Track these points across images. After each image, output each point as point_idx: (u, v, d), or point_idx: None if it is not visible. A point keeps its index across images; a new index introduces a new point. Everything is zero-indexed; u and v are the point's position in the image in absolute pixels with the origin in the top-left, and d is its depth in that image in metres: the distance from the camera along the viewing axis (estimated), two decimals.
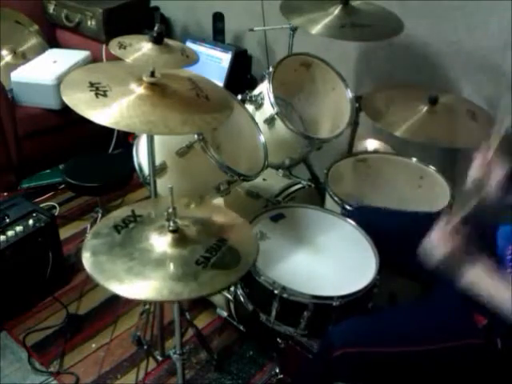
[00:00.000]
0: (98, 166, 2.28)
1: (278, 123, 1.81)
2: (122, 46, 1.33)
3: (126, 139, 2.76)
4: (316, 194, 2.09)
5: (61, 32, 2.99)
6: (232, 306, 1.77)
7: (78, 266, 2.22)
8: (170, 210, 1.16)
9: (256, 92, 1.90)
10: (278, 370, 1.74)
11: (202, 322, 2.01)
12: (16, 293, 1.98)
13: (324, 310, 1.39)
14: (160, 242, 1.17)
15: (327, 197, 1.86)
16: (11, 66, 2.68)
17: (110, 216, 1.27)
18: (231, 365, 1.87)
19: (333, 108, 2.07)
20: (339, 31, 1.85)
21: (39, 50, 2.84)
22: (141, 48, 1.32)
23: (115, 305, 2.05)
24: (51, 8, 2.90)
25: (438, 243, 1.22)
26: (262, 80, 1.91)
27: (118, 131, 2.78)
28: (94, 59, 2.81)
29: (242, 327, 1.84)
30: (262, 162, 1.72)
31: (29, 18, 2.86)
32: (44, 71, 2.59)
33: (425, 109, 1.85)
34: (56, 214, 2.53)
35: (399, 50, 2.18)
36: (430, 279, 1.47)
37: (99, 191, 2.20)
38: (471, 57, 2.00)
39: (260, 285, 1.43)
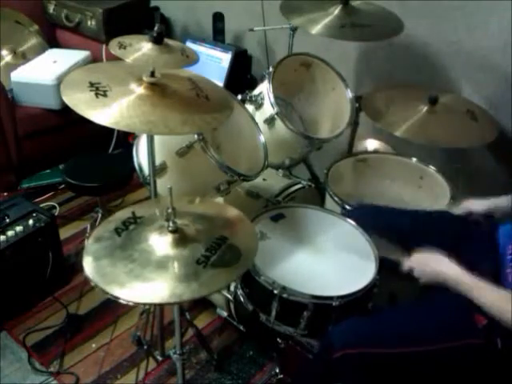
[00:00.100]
0: (98, 166, 2.28)
1: (278, 123, 1.81)
2: (122, 46, 1.33)
3: (126, 139, 2.76)
4: (316, 194, 2.09)
5: (61, 32, 2.99)
6: (232, 306, 1.77)
7: (77, 266, 2.22)
8: (170, 211, 1.16)
9: (256, 92, 1.90)
10: (277, 370, 1.74)
11: (201, 321, 2.01)
12: (16, 293, 1.98)
13: (324, 310, 1.39)
14: (160, 243, 1.17)
15: (327, 197, 1.86)
16: (11, 66, 2.68)
17: (111, 219, 1.26)
18: (231, 365, 1.87)
19: (333, 108, 2.07)
20: (339, 31, 1.85)
21: (39, 50, 2.84)
22: (141, 48, 1.32)
23: (115, 305, 2.05)
24: (51, 8, 2.90)
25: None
26: (262, 80, 1.91)
27: (118, 131, 2.78)
28: (94, 59, 2.81)
29: (242, 327, 1.84)
30: (261, 162, 1.72)
31: (29, 18, 2.86)
32: (44, 71, 2.59)
33: (425, 109, 1.85)
34: (56, 214, 2.53)
35: (399, 49, 2.18)
36: None
37: (99, 191, 2.20)
38: (471, 57, 2.00)
39: (260, 285, 1.43)
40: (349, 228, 1.64)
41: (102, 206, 2.34)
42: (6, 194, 2.58)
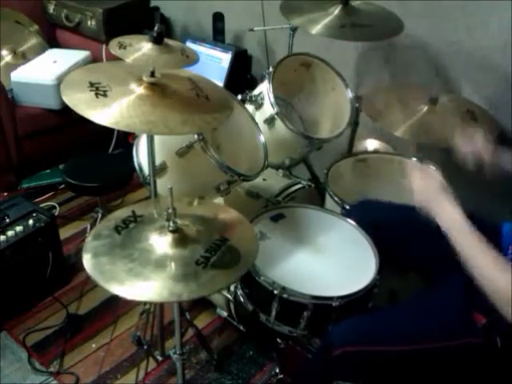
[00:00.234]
0: (98, 166, 2.28)
1: (278, 123, 1.81)
2: (122, 46, 1.33)
3: (126, 139, 2.76)
4: (316, 194, 2.09)
5: (61, 32, 2.99)
6: (232, 306, 1.77)
7: (78, 266, 2.22)
8: (170, 211, 1.16)
9: (256, 92, 1.90)
10: (277, 370, 1.74)
11: (201, 321, 2.01)
12: (16, 293, 1.98)
13: (324, 310, 1.39)
14: (160, 243, 1.17)
15: (327, 197, 1.86)
16: (11, 66, 2.68)
17: (111, 217, 1.26)
18: (231, 365, 1.87)
19: (333, 108, 2.07)
20: (339, 31, 1.85)
21: (39, 50, 2.84)
22: (141, 48, 1.32)
23: (115, 305, 2.05)
24: (51, 8, 2.90)
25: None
26: (262, 80, 1.91)
27: (118, 131, 2.78)
28: (94, 59, 2.81)
29: (242, 327, 1.84)
30: (261, 162, 1.72)
31: (29, 18, 2.86)
32: (44, 71, 2.59)
33: (425, 109, 1.85)
34: (56, 214, 2.53)
35: (399, 49, 2.18)
36: (432, 273, 1.47)
37: (99, 191, 2.20)
38: (471, 57, 2.00)
39: (260, 285, 1.43)
40: (349, 228, 1.64)
41: (102, 206, 2.34)
42: (5, 194, 2.58)
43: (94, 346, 1.94)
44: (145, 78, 1.27)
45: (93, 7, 2.74)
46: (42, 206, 2.30)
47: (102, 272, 1.10)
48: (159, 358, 1.85)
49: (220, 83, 2.56)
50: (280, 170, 2.04)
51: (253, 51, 2.72)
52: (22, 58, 2.80)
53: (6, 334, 1.96)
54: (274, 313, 1.44)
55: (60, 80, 2.48)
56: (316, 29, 1.84)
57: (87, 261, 1.12)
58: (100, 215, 2.32)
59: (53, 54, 2.79)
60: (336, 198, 1.80)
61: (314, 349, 1.59)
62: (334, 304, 1.37)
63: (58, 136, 2.71)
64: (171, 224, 1.16)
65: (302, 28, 2.00)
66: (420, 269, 1.54)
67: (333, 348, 1.29)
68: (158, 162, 1.52)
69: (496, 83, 1.96)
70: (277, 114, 1.80)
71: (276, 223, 1.65)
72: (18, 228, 1.94)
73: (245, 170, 1.65)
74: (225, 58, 2.62)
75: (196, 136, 1.50)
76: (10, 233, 1.92)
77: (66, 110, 2.25)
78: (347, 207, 1.75)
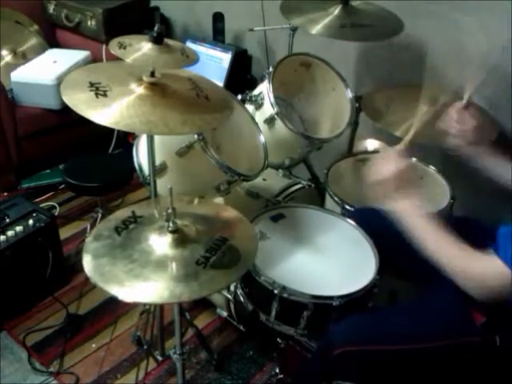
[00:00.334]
0: (98, 166, 2.28)
1: (278, 123, 1.81)
2: (122, 46, 1.33)
3: (126, 139, 2.76)
4: (316, 194, 2.09)
5: (61, 32, 2.99)
6: (232, 306, 1.77)
7: (77, 266, 2.22)
8: (170, 211, 1.16)
9: (256, 92, 1.90)
10: (277, 370, 1.74)
11: (201, 321, 2.01)
12: (16, 293, 1.98)
13: (324, 309, 1.39)
14: (160, 243, 1.16)
15: (327, 197, 1.86)
16: (11, 66, 2.68)
17: (111, 218, 1.26)
18: (231, 365, 1.87)
19: (333, 108, 2.07)
20: (339, 31, 1.85)
21: (39, 50, 2.84)
22: (141, 48, 1.32)
23: (115, 305, 2.05)
24: (51, 8, 2.90)
25: (381, 164, 1.33)
26: (262, 80, 1.91)
27: (118, 131, 2.78)
28: (94, 59, 2.81)
29: (242, 327, 1.84)
30: (261, 161, 1.72)
31: (29, 18, 2.86)
32: (44, 71, 2.59)
33: (425, 109, 1.84)
34: (56, 214, 2.53)
35: (399, 50, 2.18)
36: (430, 280, 1.47)
37: (99, 191, 2.20)
38: (471, 57, 2.00)
39: (260, 285, 1.43)
40: (349, 228, 1.64)
41: (102, 206, 2.34)
42: (5, 194, 2.58)
43: (94, 345, 1.94)
44: (145, 78, 1.27)
45: (93, 7, 2.74)
46: (42, 205, 2.31)
47: (102, 273, 1.09)
48: (159, 358, 1.85)
49: (220, 83, 2.56)
50: (280, 170, 2.04)
51: (253, 51, 2.72)
52: (22, 58, 2.80)
53: (6, 333, 1.96)
54: (274, 312, 1.44)
55: (60, 80, 2.49)
56: (316, 29, 1.84)
57: (87, 262, 1.12)
58: (100, 215, 2.32)
59: (53, 54, 2.79)
60: (336, 198, 1.80)
61: (313, 348, 1.59)
62: (334, 304, 1.37)
63: (58, 136, 2.71)
64: (171, 224, 1.16)
65: (302, 28, 2.00)
66: (418, 275, 1.54)
67: (333, 347, 1.29)
68: (158, 161, 1.52)
69: (496, 83, 1.96)
70: (277, 113, 1.80)
71: (276, 223, 1.65)
72: (18, 228, 1.94)
73: (245, 170, 1.65)
74: (225, 58, 2.62)
75: (196, 136, 1.50)
76: (10, 233, 1.92)
77: (66, 110, 2.25)
78: (347, 207, 1.75)
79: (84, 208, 2.59)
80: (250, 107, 1.87)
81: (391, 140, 2.16)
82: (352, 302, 1.39)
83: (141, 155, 1.67)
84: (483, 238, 1.21)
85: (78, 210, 2.59)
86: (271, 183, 2.02)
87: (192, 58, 1.38)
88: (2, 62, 2.74)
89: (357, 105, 1.99)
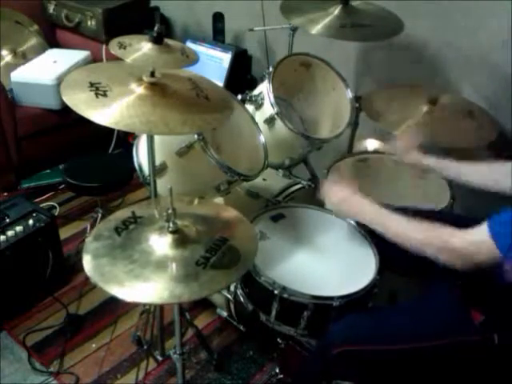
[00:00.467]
0: (98, 166, 2.28)
1: (278, 123, 1.81)
2: (122, 46, 1.33)
3: (126, 139, 2.76)
4: (316, 194, 2.09)
5: (61, 32, 2.99)
6: (232, 306, 1.77)
7: (78, 266, 2.22)
8: (170, 211, 1.16)
9: (256, 92, 1.90)
10: (277, 370, 1.74)
11: (201, 321, 2.01)
12: (16, 293, 1.98)
13: (324, 310, 1.39)
14: (160, 244, 1.17)
15: None
16: (11, 66, 2.68)
17: (111, 218, 1.26)
18: (231, 365, 1.87)
19: (333, 108, 2.07)
20: (339, 31, 1.85)
21: (39, 50, 2.85)
22: (141, 48, 1.32)
23: (115, 305, 2.05)
24: (51, 8, 2.90)
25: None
26: (262, 80, 1.91)
27: (118, 131, 2.78)
28: (94, 59, 2.81)
29: (242, 327, 1.84)
30: (261, 161, 1.72)
31: (29, 18, 2.86)
32: (44, 71, 2.59)
33: (425, 109, 1.85)
34: (56, 214, 2.53)
35: (399, 50, 2.18)
36: (430, 275, 1.47)
37: (99, 191, 2.20)
38: (471, 57, 2.00)
39: (260, 285, 1.43)
40: (349, 228, 1.64)
41: (102, 206, 2.34)
42: (5, 194, 2.58)
43: (93, 345, 1.94)
44: (145, 78, 1.27)
45: (93, 7, 2.74)
46: (42, 205, 2.31)
47: (102, 274, 1.09)
48: (159, 358, 1.85)
49: (220, 83, 2.56)
50: (280, 170, 2.04)
51: (253, 51, 2.72)
52: (22, 58, 2.80)
53: (6, 333, 1.96)
54: (274, 313, 1.44)
55: (60, 80, 2.49)
56: (316, 29, 1.84)
57: (87, 262, 1.12)
58: (100, 215, 2.32)
59: (53, 54, 2.79)
60: None
61: (313, 348, 1.59)
62: (334, 304, 1.37)
63: (58, 136, 2.71)
64: (171, 225, 1.16)
65: (302, 28, 2.00)
66: (418, 271, 1.54)
67: (332, 347, 1.29)
68: (158, 161, 1.52)
69: (496, 83, 1.96)
70: (277, 113, 1.80)
71: (276, 223, 1.65)
72: (18, 228, 1.94)
73: (245, 170, 1.65)
74: (225, 58, 2.62)
75: (196, 136, 1.50)
76: (10, 233, 1.92)
77: (66, 110, 2.24)
78: None
79: (84, 208, 2.59)
80: (250, 107, 1.87)
81: (391, 140, 2.18)
82: (352, 302, 1.39)
83: (141, 155, 1.67)
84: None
85: (78, 210, 2.59)
86: (271, 183, 2.02)
87: (192, 58, 1.38)
88: (2, 62, 2.74)
89: (357, 105, 1.99)
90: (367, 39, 2.05)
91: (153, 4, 2.98)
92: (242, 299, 1.55)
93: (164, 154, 1.55)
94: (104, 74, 1.32)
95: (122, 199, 2.63)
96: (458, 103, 1.93)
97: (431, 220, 1.25)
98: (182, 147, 1.53)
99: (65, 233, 2.38)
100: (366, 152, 2.17)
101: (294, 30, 2.13)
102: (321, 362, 1.40)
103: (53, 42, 2.97)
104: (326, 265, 1.51)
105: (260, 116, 1.85)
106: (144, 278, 1.08)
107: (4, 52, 2.77)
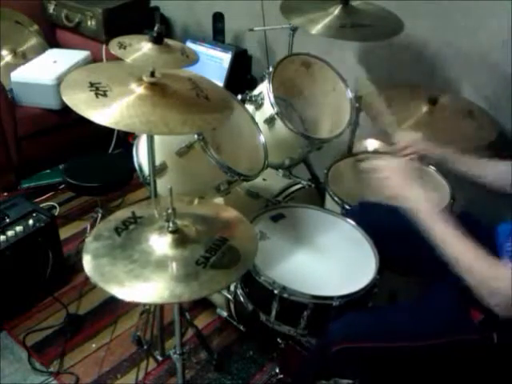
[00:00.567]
0: (98, 166, 2.28)
1: (278, 123, 1.81)
2: (122, 46, 1.33)
3: (126, 139, 2.76)
4: (316, 194, 2.09)
5: (61, 32, 2.99)
6: (232, 305, 1.77)
7: (78, 266, 2.22)
8: (170, 211, 1.16)
9: (256, 92, 1.90)
10: (277, 370, 1.74)
11: (201, 321, 2.01)
12: (16, 293, 1.98)
13: (324, 309, 1.39)
14: (160, 243, 1.17)
15: (327, 197, 1.86)
16: (11, 66, 2.68)
17: (111, 218, 1.26)
18: (231, 365, 1.87)
19: (333, 108, 2.07)
20: (339, 31, 1.85)
21: (39, 50, 2.85)
22: (141, 48, 1.32)
23: (115, 305, 2.05)
24: (51, 8, 2.90)
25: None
26: (262, 80, 1.91)
27: (118, 131, 2.78)
28: (94, 59, 2.81)
29: (242, 327, 1.84)
30: (261, 161, 1.72)
31: (29, 18, 2.86)
32: (44, 71, 2.59)
33: (425, 109, 1.85)
34: (56, 214, 2.53)
35: (399, 50, 2.18)
36: (430, 276, 1.48)
37: (99, 191, 2.20)
38: (471, 57, 2.00)
39: (260, 285, 1.43)
40: (349, 228, 1.64)
41: (102, 206, 2.34)
42: (5, 194, 2.58)
43: (93, 345, 1.94)
44: (145, 78, 1.27)
45: (93, 7, 2.74)
46: (42, 205, 2.31)
47: (102, 274, 1.09)
48: (159, 358, 1.85)
49: (220, 83, 2.56)
50: (280, 170, 2.04)
51: (253, 51, 2.72)
52: (22, 58, 2.80)
53: (6, 334, 1.96)
54: (274, 312, 1.44)
55: (60, 80, 2.49)
56: (316, 29, 1.84)
57: (87, 262, 1.12)
58: (100, 215, 2.32)
59: (53, 54, 2.79)
60: (336, 198, 1.80)
61: (313, 347, 1.59)
62: (334, 304, 1.37)
63: (58, 136, 2.71)
64: (171, 224, 1.16)
65: (302, 28, 2.00)
66: (418, 270, 1.55)
67: (331, 344, 1.29)
68: (158, 161, 1.52)
69: (496, 83, 1.96)
70: (277, 114, 1.80)
71: (276, 223, 1.65)
72: (18, 228, 1.94)
73: (245, 170, 1.65)
74: (225, 58, 2.62)
75: (196, 136, 1.50)
76: (10, 233, 1.92)
77: (66, 110, 2.24)
78: (347, 207, 1.75)
79: (84, 208, 2.59)
80: (250, 107, 1.87)
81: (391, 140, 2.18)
82: (352, 302, 1.39)
83: (141, 155, 1.67)
84: (483, 238, 1.21)
85: (78, 210, 2.59)
86: (271, 183, 2.02)
87: (192, 58, 1.38)
88: (2, 62, 2.74)
89: (357, 105, 1.99)
90: (367, 39, 2.05)
91: (153, 4, 2.98)
92: (242, 299, 1.55)
93: (164, 153, 1.55)
94: (104, 73, 1.32)
95: (122, 199, 2.63)
96: (458, 103, 1.93)
97: None
98: (182, 147, 1.53)
99: (65, 233, 2.38)
100: (366, 152, 2.17)
101: (294, 30, 2.13)
102: (320, 360, 1.40)
103: (53, 42, 2.97)
104: (326, 265, 1.51)
105: (260, 116, 1.85)
106: (144, 277, 1.08)
107: (4, 52, 2.77)
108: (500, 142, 1.87)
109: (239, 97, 1.84)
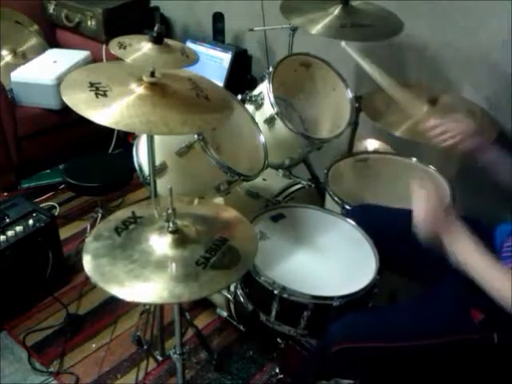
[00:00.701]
0: (98, 166, 2.28)
1: (278, 123, 1.81)
2: (122, 46, 1.33)
3: (126, 139, 2.76)
4: (316, 194, 2.09)
5: (61, 32, 2.99)
6: (232, 306, 1.77)
7: (78, 266, 2.22)
8: (170, 211, 1.16)
9: (256, 92, 1.90)
10: (277, 370, 1.74)
11: (201, 321, 2.01)
12: (16, 293, 1.98)
13: (324, 310, 1.39)
14: (160, 243, 1.17)
15: (327, 197, 1.86)
16: (11, 66, 2.68)
17: (111, 218, 1.26)
18: (231, 365, 1.87)
19: (333, 108, 2.07)
20: (339, 31, 1.85)
21: (39, 50, 2.85)
22: (141, 48, 1.32)
23: (115, 305, 2.05)
24: (51, 8, 2.90)
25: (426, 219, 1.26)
26: (262, 80, 1.91)
27: (118, 131, 2.78)
28: (94, 59, 2.81)
29: (242, 327, 1.84)
30: (261, 161, 1.72)
31: (29, 18, 2.86)
32: (44, 71, 2.59)
33: (425, 109, 1.84)
34: (56, 214, 2.53)
35: (399, 49, 2.18)
36: (430, 277, 1.48)
37: (99, 191, 2.20)
38: (471, 57, 2.00)
39: (260, 285, 1.43)
40: (349, 228, 1.64)
41: (102, 206, 2.34)
42: (5, 194, 2.58)
43: (93, 345, 1.94)
44: (145, 78, 1.27)
45: (93, 7, 2.74)
46: (42, 205, 2.31)
47: (102, 274, 1.09)
48: (159, 358, 1.85)
49: (220, 83, 2.56)
50: (280, 170, 2.04)
51: (253, 51, 2.71)
52: (22, 57, 2.80)
53: (6, 333, 1.96)
54: (274, 313, 1.44)
55: (60, 80, 2.49)
56: (316, 29, 1.84)
57: (87, 262, 1.12)
58: (100, 215, 2.32)
59: (53, 54, 2.79)
60: (336, 198, 1.80)
61: (313, 347, 1.59)
62: (334, 304, 1.37)
63: (58, 136, 2.71)
64: (171, 225, 1.16)
65: (302, 28, 2.00)
66: (418, 270, 1.55)
67: (331, 344, 1.29)
68: (158, 161, 1.52)
69: (496, 83, 1.96)
70: (277, 114, 1.80)
71: (276, 223, 1.65)
72: (18, 228, 1.95)
73: (245, 170, 1.65)
74: (225, 58, 2.62)
75: (196, 136, 1.50)
76: (10, 233, 1.92)
77: (66, 110, 2.24)
78: (347, 207, 1.75)
79: (84, 208, 2.59)
80: (250, 107, 1.87)
81: (391, 140, 2.18)
82: (352, 302, 1.39)
83: (141, 155, 1.67)
84: (483, 238, 1.21)
85: (78, 210, 2.59)
86: (271, 183, 2.02)
87: (192, 58, 1.38)
88: (2, 62, 2.74)
89: (357, 105, 1.99)
90: (367, 39, 2.05)
91: (153, 4, 2.98)
92: (241, 299, 1.55)
93: (164, 153, 1.55)
94: (104, 73, 1.32)
95: (122, 199, 2.63)
96: (458, 103, 1.93)
97: None
98: (182, 147, 1.53)
99: (65, 233, 2.38)
100: (366, 152, 2.17)
101: (294, 30, 2.13)
102: (320, 360, 1.40)
103: (53, 42, 2.97)
104: (326, 265, 1.51)
105: (260, 116, 1.85)
106: (144, 277, 1.08)
107: (4, 52, 2.77)
108: (500, 142, 1.87)
109: (239, 97, 1.84)
